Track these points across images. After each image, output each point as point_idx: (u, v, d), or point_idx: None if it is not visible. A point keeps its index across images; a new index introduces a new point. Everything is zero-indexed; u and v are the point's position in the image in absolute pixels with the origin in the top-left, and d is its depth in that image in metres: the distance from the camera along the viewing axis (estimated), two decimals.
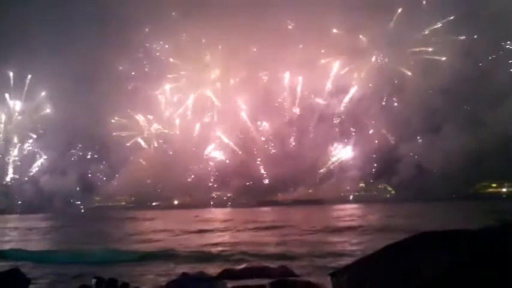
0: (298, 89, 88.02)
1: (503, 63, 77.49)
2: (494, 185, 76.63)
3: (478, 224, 5.94)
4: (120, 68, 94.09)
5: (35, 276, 14.03)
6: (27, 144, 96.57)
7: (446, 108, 75.33)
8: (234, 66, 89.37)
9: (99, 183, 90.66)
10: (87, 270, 15.27)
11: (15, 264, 14.78)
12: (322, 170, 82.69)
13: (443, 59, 79.09)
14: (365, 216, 43.72)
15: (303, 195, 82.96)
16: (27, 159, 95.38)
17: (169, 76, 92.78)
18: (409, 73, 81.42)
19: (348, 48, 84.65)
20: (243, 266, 14.37)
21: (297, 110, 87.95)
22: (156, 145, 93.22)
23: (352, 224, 33.17)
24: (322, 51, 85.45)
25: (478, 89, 73.19)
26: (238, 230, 32.97)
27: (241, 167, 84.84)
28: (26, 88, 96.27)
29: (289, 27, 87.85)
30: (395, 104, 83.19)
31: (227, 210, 71.45)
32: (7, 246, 26.16)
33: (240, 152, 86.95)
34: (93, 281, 9.87)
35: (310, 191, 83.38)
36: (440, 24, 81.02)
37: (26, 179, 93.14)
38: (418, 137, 76.81)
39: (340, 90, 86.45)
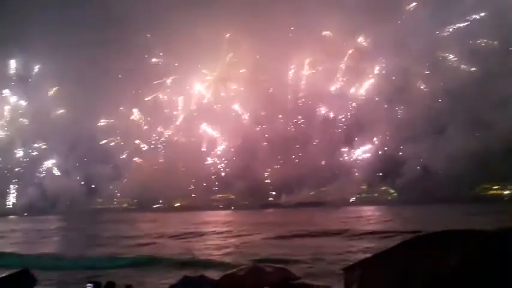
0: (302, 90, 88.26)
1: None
2: (496, 187, 76.39)
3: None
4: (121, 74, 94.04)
5: None
6: (33, 146, 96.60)
7: (450, 109, 74.78)
8: (238, 68, 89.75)
9: (102, 186, 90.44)
10: (80, 276, 15.21)
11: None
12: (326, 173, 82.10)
13: (452, 57, 79.41)
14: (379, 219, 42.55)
15: (305, 197, 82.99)
16: (32, 161, 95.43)
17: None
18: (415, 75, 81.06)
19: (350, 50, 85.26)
20: (244, 269, 14.39)
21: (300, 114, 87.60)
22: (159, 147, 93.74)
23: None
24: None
25: (483, 90, 72.86)
26: (240, 234, 32.47)
27: (244, 169, 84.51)
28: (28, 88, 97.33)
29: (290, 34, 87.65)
30: (399, 106, 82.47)
31: (229, 212, 71.37)
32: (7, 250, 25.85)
33: (243, 155, 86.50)
34: (89, 286, 9.83)
35: (312, 193, 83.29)
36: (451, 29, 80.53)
37: (35, 181, 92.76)
38: (421, 139, 76.11)
39: (344, 93, 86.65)
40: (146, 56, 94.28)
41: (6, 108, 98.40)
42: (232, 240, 29.16)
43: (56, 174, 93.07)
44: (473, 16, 78.66)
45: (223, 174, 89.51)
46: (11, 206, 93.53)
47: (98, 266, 18.80)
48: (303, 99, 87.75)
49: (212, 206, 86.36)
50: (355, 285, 6.19)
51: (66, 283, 15.78)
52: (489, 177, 73.26)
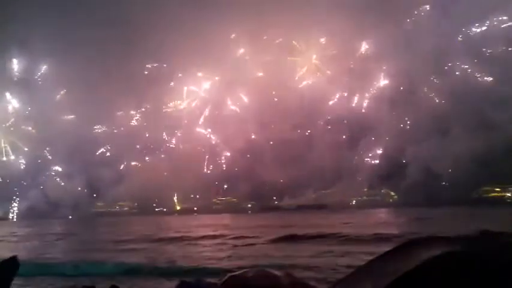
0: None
1: None
2: (498, 189, 76.19)
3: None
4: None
5: None
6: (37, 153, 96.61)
7: (454, 110, 74.81)
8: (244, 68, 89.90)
9: (103, 189, 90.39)
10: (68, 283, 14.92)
11: None
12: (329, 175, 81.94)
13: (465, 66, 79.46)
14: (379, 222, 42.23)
15: (307, 200, 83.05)
16: (36, 166, 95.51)
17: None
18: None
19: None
20: (248, 272, 14.36)
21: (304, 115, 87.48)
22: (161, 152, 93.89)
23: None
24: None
25: (488, 91, 72.88)
26: (238, 236, 31.92)
27: (247, 172, 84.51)
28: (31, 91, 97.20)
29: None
30: (404, 108, 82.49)
31: (230, 215, 71.28)
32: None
33: (248, 156, 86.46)
34: None
35: (313, 196, 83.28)
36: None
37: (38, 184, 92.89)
38: (424, 141, 75.93)
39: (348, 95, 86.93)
40: (148, 64, 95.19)
41: (9, 112, 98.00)
42: (229, 244, 28.77)
43: (58, 179, 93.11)
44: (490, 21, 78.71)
45: (225, 177, 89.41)
46: (13, 210, 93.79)
47: (83, 272, 18.04)
48: (308, 103, 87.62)
49: (214, 209, 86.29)
50: None
51: None
52: (491, 180, 73.08)
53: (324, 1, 77.57)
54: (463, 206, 54.42)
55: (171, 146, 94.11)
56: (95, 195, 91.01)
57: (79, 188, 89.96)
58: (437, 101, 79.92)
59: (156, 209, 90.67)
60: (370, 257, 4.05)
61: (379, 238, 25.20)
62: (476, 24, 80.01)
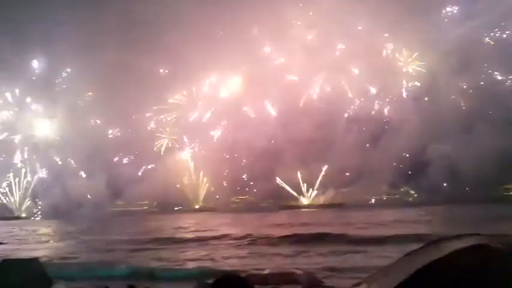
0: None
1: None
2: None
3: None
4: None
5: None
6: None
7: (479, 107, 73.50)
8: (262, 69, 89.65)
9: (124, 188, 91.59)
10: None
11: None
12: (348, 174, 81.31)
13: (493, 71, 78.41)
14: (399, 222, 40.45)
15: (326, 199, 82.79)
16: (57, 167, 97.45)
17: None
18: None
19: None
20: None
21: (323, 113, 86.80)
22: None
23: None
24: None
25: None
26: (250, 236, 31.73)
27: (265, 171, 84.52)
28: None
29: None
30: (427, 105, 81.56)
31: (245, 214, 71.41)
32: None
33: (265, 157, 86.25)
34: None
35: (332, 195, 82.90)
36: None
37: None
38: (444, 139, 74.83)
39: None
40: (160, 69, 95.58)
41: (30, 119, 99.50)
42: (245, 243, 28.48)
43: (82, 177, 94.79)
44: None
45: (244, 176, 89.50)
46: (37, 210, 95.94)
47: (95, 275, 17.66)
48: (327, 102, 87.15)
49: (231, 208, 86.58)
50: None
51: None
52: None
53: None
54: (485, 204, 53.48)
55: (191, 147, 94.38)
56: (115, 194, 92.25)
57: (100, 188, 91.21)
58: (460, 98, 78.73)
59: (175, 208, 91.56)
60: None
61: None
62: (503, 24, 79.12)
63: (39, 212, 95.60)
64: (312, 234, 29.30)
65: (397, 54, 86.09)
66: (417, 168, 76.86)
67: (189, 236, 35.22)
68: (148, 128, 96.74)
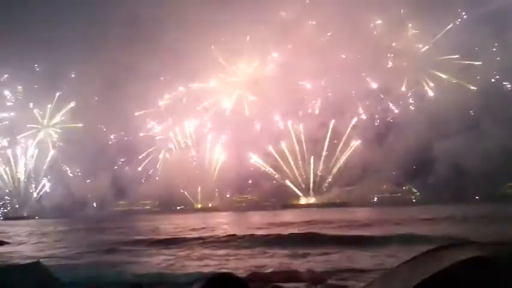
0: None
1: None
2: None
3: None
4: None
5: None
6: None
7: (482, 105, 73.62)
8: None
9: (126, 188, 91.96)
10: None
11: None
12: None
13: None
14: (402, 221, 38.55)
15: (329, 197, 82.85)
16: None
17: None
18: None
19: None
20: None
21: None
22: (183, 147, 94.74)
23: None
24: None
25: None
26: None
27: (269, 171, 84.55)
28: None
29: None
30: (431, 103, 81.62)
31: (249, 213, 71.41)
32: None
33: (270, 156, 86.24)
34: None
35: (335, 193, 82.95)
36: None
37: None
38: (447, 139, 74.64)
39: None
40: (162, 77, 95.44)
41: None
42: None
43: (85, 178, 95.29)
44: None
45: (247, 175, 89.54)
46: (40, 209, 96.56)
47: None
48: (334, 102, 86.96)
49: (234, 207, 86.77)
50: None
51: None
52: None
53: None
54: (487, 203, 53.36)
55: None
56: (117, 194, 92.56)
57: (102, 188, 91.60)
58: (464, 97, 78.71)
59: (178, 207, 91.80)
60: None
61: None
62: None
63: (42, 212, 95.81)
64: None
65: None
66: (420, 167, 76.78)
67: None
68: (148, 125, 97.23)
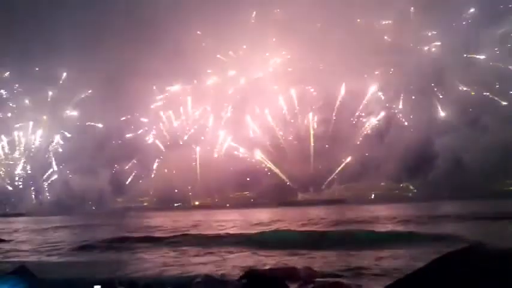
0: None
1: None
2: None
3: None
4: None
5: None
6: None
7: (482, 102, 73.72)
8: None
9: (125, 184, 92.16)
10: None
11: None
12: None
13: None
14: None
15: (326, 194, 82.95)
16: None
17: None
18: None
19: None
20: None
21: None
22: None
23: None
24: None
25: None
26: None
27: (267, 168, 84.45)
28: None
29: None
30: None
31: (243, 210, 71.52)
32: None
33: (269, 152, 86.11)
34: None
35: (333, 190, 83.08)
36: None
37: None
38: (446, 135, 74.64)
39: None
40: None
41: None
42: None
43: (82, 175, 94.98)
44: None
45: (245, 173, 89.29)
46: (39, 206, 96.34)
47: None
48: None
49: (231, 205, 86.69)
50: None
51: None
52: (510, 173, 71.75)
53: None
54: (485, 200, 53.53)
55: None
56: (115, 191, 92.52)
57: (101, 184, 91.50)
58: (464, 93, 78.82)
59: (175, 204, 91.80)
60: None
61: None
62: None
63: (40, 209, 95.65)
64: None
65: None
66: (417, 163, 76.77)
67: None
68: (148, 126, 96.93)
